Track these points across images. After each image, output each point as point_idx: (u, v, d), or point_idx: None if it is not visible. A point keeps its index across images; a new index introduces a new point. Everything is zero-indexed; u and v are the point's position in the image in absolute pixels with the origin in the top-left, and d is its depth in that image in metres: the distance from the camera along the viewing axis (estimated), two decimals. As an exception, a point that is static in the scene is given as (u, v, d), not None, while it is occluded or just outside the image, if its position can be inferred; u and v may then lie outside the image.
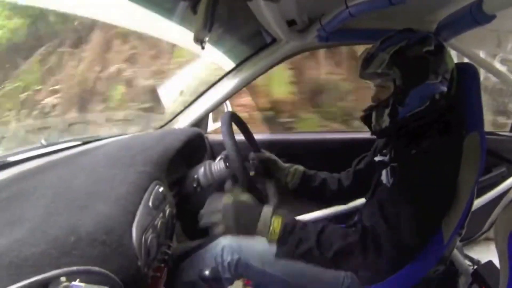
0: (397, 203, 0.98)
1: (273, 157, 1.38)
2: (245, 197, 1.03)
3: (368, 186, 1.27)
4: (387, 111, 1.08)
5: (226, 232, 1.00)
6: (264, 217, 0.98)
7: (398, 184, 1.05)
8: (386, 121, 1.08)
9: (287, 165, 1.39)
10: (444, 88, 1.05)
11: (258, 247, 1.09)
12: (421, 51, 1.04)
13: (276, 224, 0.97)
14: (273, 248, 0.99)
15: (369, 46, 1.13)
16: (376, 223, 0.98)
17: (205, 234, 1.39)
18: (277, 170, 1.38)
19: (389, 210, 0.98)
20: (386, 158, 1.16)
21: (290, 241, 0.96)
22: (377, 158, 1.23)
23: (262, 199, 1.10)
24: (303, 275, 1.08)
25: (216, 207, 1.00)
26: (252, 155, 1.32)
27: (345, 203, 1.71)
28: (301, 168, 1.38)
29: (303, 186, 1.37)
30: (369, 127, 1.17)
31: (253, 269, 1.06)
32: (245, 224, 0.98)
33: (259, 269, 1.06)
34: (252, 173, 1.19)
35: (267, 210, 0.99)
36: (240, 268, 1.05)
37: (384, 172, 1.12)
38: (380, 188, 1.14)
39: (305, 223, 1.00)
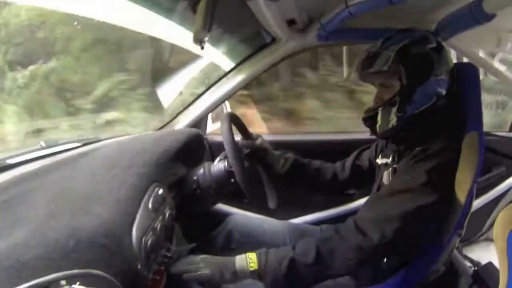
0: (392, 192, 1.00)
1: (265, 144, 1.35)
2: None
3: (365, 183, 1.30)
4: (394, 109, 1.07)
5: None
6: (239, 259, 0.96)
7: (397, 177, 1.06)
8: (393, 120, 1.08)
9: (278, 152, 1.37)
10: (446, 85, 1.06)
11: None
12: (424, 48, 1.05)
13: (251, 255, 0.96)
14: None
15: (368, 46, 1.13)
16: (367, 207, 1.00)
17: (205, 237, 1.39)
18: (268, 157, 1.36)
19: (384, 200, 1.00)
20: (389, 160, 1.16)
21: (270, 261, 0.94)
22: (379, 161, 1.23)
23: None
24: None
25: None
26: (242, 142, 1.31)
27: (340, 196, 1.77)
28: (292, 155, 1.37)
29: (295, 173, 1.35)
30: (372, 129, 1.16)
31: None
32: (224, 270, 0.94)
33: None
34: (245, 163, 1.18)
35: (239, 256, 0.97)
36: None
37: (385, 173, 1.13)
38: (382, 189, 1.14)
39: (275, 249, 0.98)
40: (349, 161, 1.39)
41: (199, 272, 0.92)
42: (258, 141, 1.34)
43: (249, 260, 0.95)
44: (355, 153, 1.40)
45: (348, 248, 0.94)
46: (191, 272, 0.92)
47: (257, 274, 0.94)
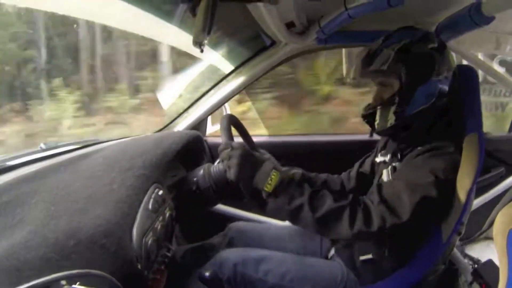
0: (395, 185, 0.98)
1: (272, 159, 1.33)
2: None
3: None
4: (393, 109, 1.06)
5: (232, 176, 0.97)
6: (265, 169, 0.96)
7: (400, 171, 1.06)
8: (391, 119, 1.07)
9: (285, 168, 1.35)
10: (447, 85, 1.05)
11: (253, 256, 1.10)
12: (426, 48, 1.04)
13: (274, 177, 0.95)
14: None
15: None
16: (371, 197, 0.97)
17: (204, 238, 1.39)
18: None
19: (386, 189, 0.98)
20: (387, 158, 1.16)
21: (284, 195, 0.95)
22: (378, 159, 1.23)
23: None
24: (298, 278, 1.08)
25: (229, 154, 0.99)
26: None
27: None
28: (299, 171, 1.36)
29: None
30: (371, 125, 1.16)
31: (250, 278, 1.05)
32: (246, 170, 0.96)
33: (255, 278, 1.06)
34: None
35: (268, 163, 0.98)
36: (238, 279, 1.05)
37: (385, 172, 1.12)
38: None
39: (302, 181, 0.99)
40: (354, 170, 1.39)
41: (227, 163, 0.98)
42: (266, 156, 1.32)
43: (269, 180, 0.94)
44: (359, 161, 1.40)
45: (350, 228, 0.92)
46: (223, 159, 1.00)
47: (266, 195, 0.95)
